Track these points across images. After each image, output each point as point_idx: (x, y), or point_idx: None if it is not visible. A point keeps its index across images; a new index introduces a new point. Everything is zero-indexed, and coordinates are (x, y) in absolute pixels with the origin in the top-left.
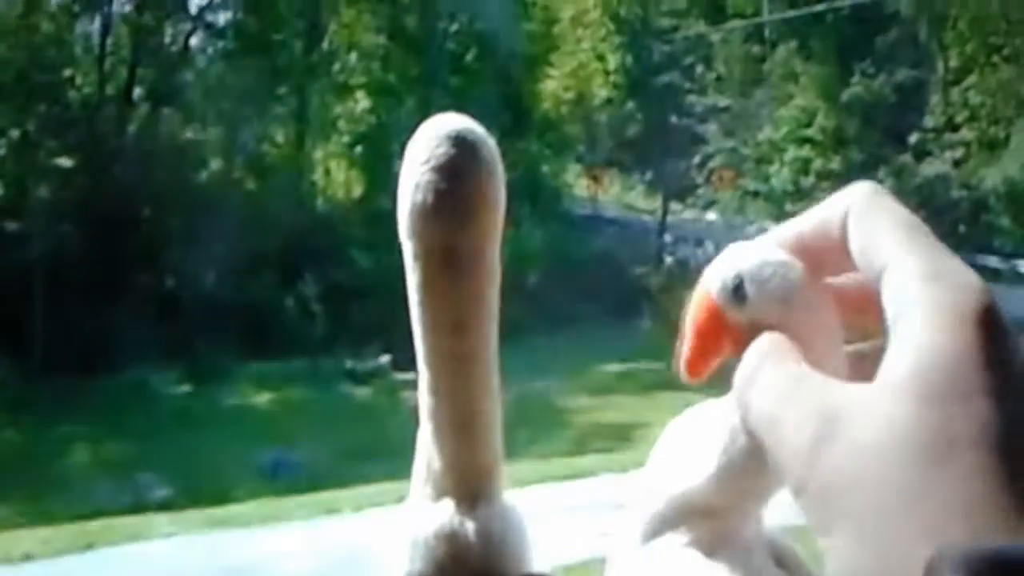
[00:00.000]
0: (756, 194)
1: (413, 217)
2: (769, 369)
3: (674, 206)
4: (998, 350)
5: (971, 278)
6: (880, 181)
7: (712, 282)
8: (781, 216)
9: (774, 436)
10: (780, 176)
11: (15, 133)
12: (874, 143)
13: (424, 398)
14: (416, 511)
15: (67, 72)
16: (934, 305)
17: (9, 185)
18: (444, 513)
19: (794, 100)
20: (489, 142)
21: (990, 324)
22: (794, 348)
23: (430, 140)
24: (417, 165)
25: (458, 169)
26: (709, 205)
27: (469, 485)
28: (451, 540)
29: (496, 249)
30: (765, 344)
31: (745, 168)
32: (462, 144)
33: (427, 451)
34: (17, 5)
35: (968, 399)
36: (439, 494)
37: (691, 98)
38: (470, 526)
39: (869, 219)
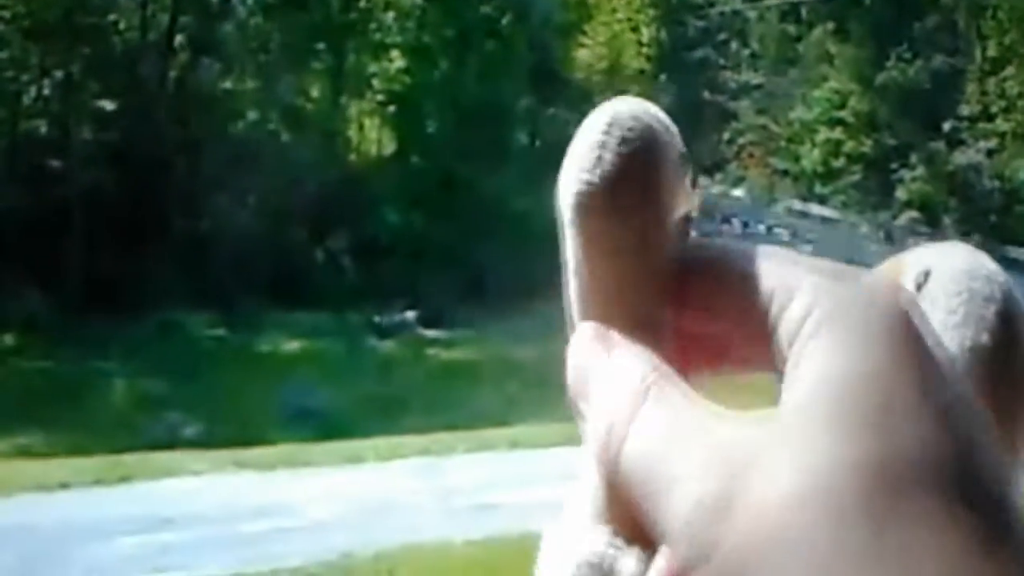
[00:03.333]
0: (785, 173)
1: (579, 205)
2: (650, 404)
3: (702, 181)
4: (924, 364)
5: (879, 278)
6: (912, 167)
7: (903, 266)
8: (810, 197)
9: (657, 493)
10: (811, 157)
11: (59, 74)
12: (907, 129)
13: None
14: (581, 534)
15: (111, 17)
16: (839, 315)
17: (52, 124)
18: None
19: (828, 81)
20: (667, 125)
21: (910, 334)
22: (669, 367)
23: (608, 117)
24: (593, 140)
25: (634, 151)
26: (738, 182)
27: None
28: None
29: (667, 242)
30: (637, 365)
31: (775, 147)
32: (638, 126)
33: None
34: None
35: (901, 426)
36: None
37: (724, 74)
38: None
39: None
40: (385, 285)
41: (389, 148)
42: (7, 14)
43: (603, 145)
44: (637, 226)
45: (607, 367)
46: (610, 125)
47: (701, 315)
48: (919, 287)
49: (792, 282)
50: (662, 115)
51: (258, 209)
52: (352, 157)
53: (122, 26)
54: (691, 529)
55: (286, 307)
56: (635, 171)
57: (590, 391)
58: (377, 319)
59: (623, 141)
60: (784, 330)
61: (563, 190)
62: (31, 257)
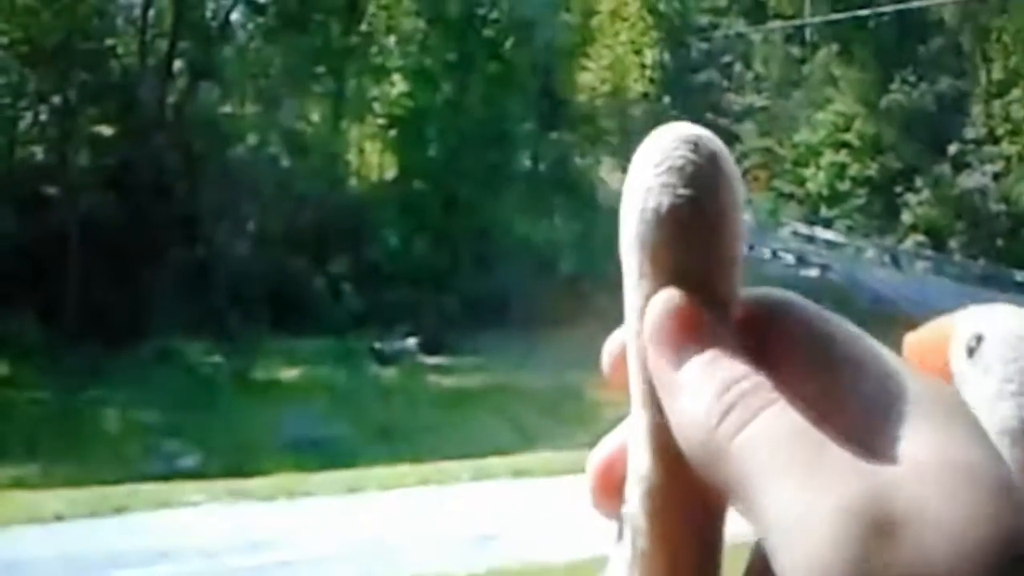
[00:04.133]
0: (790, 196)
1: (642, 227)
2: (777, 408)
3: None
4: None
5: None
6: (917, 190)
7: (950, 329)
8: (815, 220)
9: (765, 487)
10: (816, 180)
11: (56, 99)
12: (912, 152)
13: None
14: None
15: (109, 42)
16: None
17: (49, 150)
18: None
19: (832, 104)
20: (729, 155)
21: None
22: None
23: (666, 142)
24: (650, 168)
25: (698, 174)
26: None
27: None
28: None
29: (733, 278)
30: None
31: (780, 170)
32: (702, 149)
33: None
34: None
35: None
36: None
37: (728, 97)
38: None
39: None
40: (386, 311)
41: (390, 172)
42: (4, 40)
43: (675, 169)
44: (703, 257)
45: (717, 355)
46: (679, 148)
47: (756, 362)
48: (971, 351)
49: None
50: (720, 142)
51: (257, 235)
52: (353, 182)
53: (120, 51)
54: (837, 546)
55: (286, 334)
56: (705, 199)
57: (694, 368)
58: (378, 345)
59: (693, 167)
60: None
61: (628, 214)
62: (26, 284)
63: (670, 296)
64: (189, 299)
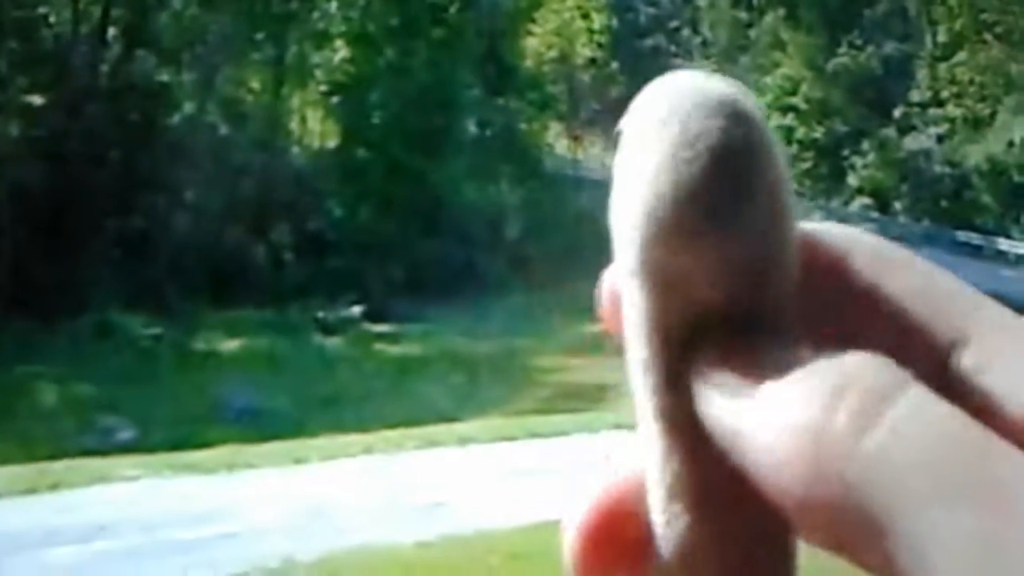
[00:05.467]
0: None
1: (659, 224)
2: (905, 409)
3: None
4: None
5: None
6: (863, 153)
7: None
8: None
9: (915, 526)
10: None
11: None
12: (859, 115)
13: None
14: None
15: (41, 10)
16: None
17: None
18: None
19: (780, 68)
20: (764, 116)
21: None
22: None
23: (689, 106)
24: (668, 143)
25: (739, 152)
26: None
27: None
28: None
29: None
30: (871, 361)
31: None
32: (740, 116)
33: None
34: None
35: None
36: None
37: (676, 62)
38: None
39: None
40: (330, 280)
41: (333, 140)
42: None
43: (688, 142)
44: (755, 264)
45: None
46: (712, 118)
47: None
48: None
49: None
50: (746, 91)
51: (196, 205)
52: (295, 150)
53: (52, 19)
54: None
55: (226, 305)
56: (754, 184)
57: (773, 376)
58: (321, 315)
59: (732, 142)
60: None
61: (635, 207)
62: None
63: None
64: (126, 271)
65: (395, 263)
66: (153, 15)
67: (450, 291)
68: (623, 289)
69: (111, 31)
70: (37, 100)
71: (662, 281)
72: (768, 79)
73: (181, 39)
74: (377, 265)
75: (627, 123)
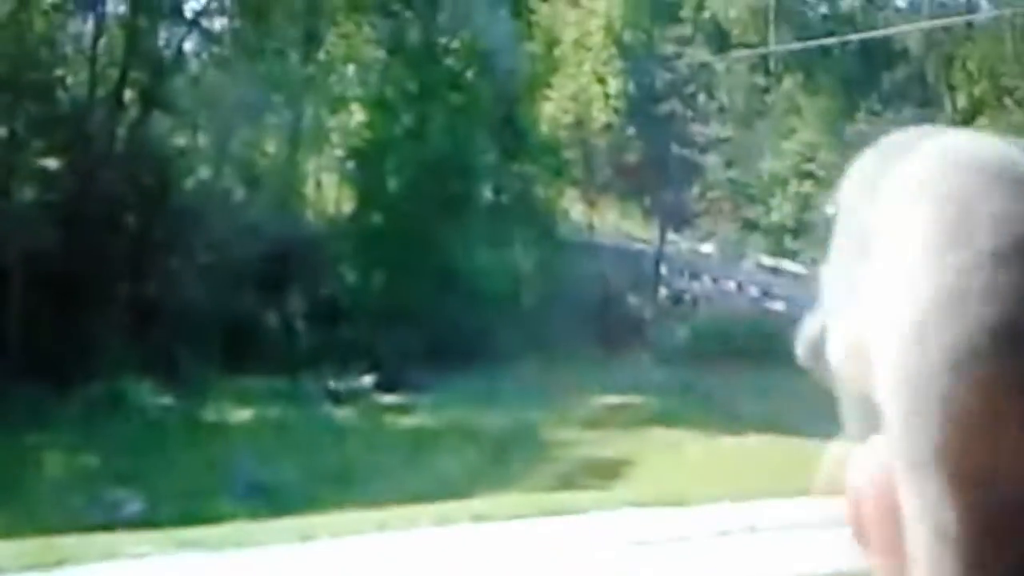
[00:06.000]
0: (755, 227)
1: (980, 403)
2: None
3: (672, 236)
4: None
5: None
6: None
7: None
8: (781, 252)
9: None
10: (781, 210)
11: (2, 131)
12: None
13: None
14: None
15: (58, 72)
16: None
17: None
18: None
19: (797, 133)
20: None
21: None
22: None
23: (986, 199)
24: (968, 255)
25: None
26: (708, 237)
27: None
28: None
29: None
30: None
31: (745, 200)
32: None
33: None
34: (9, 1)
35: None
36: None
37: (693, 127)
38: None
39: None
40: (342, 348)
41: (348, 206)
42: None
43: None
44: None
45: None
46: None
47: None
48: None
49: None
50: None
51: (209, 270)
52: (309, 215)
53: (69, 81)
54: None
55: (238, 372)
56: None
57: None
58: (333, 385)
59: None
60: None
61: (904, 362)
62: None
63: None
64: (138, 337)
65: (408, 331)
66: (170, 78)
67: (464, 360)
68: (882, 473)
69: (128, 94)
70: (52, 164)
71: (970, 476)
72: (786, 144)
73: (197, 102)
74: (390, 333)
75: (860, 205)
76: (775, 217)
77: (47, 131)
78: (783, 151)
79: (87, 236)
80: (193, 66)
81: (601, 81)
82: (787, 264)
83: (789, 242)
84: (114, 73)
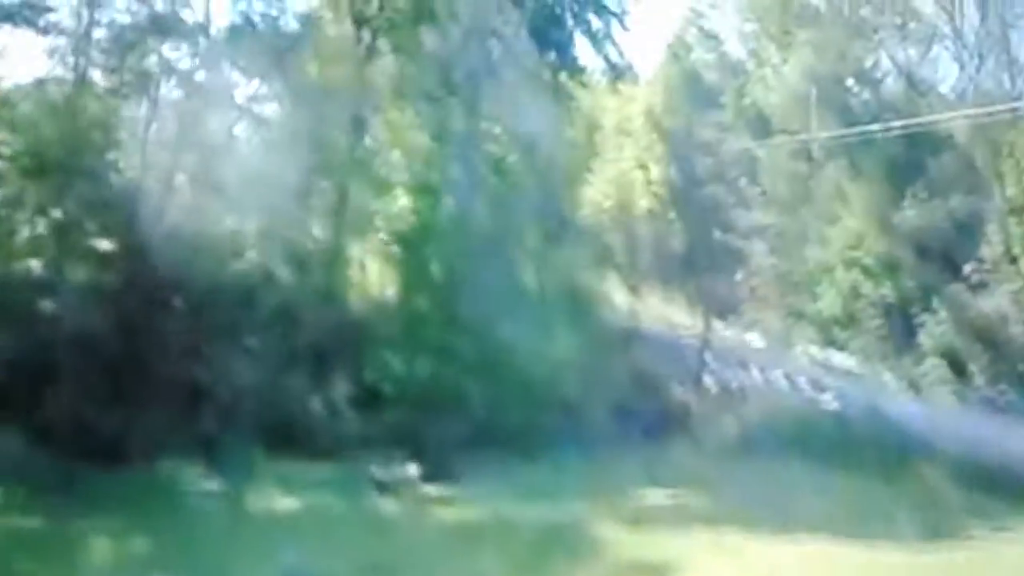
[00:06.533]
0: (801, 317)
1: None
2: None
3: (716, 324)
4: None
5: None
6: (934, 312)
7: None
8: (828, 343)
9: None
10: (828, 299)
11: (56, 212)
12: (927, 272)
13: None
14: None
15: (111, 155)
16: None
17: (47, 264)
18: None
19: (843, 221)
20: None
21: None
22: None
23: None
24: None
25: None
26: (753, 325)
27: None
28: None
29: None
30: None
31: (790, 289)
32: None
33: None
34: (66, 84)
35: None
36: None
37: (735, 213)
38: None
39: None
40: (386, 435)
41: (392, 290)
42: (7, 151)
43: None
44: None
45: None
46: None
47: None
48: None
49: None
50: None
51: (254, 354)
52: (353, 299)
53: (121, 164)
54: None
55: (283, 457)
56: None
57: None
58: (377, 473)
59: None
60: None
61: None
62: (16, 402)
63: None
64: (183, 420)
65: (451, 419)
66: (220, 161)
67: (506, 449)
68: None
69: (179, 176)
70: (105, 245)
71: None
72: (831, 231)
73: (247, 185)
74: (433, 421)
75: None
76: (822, 306)
77: (100, 212)
78: (828, 238)
79: (137, 318)
80: (243, 150)
81: (642, 167)
82: (836, 356)
83: (838, 333)
84: (166, 156)
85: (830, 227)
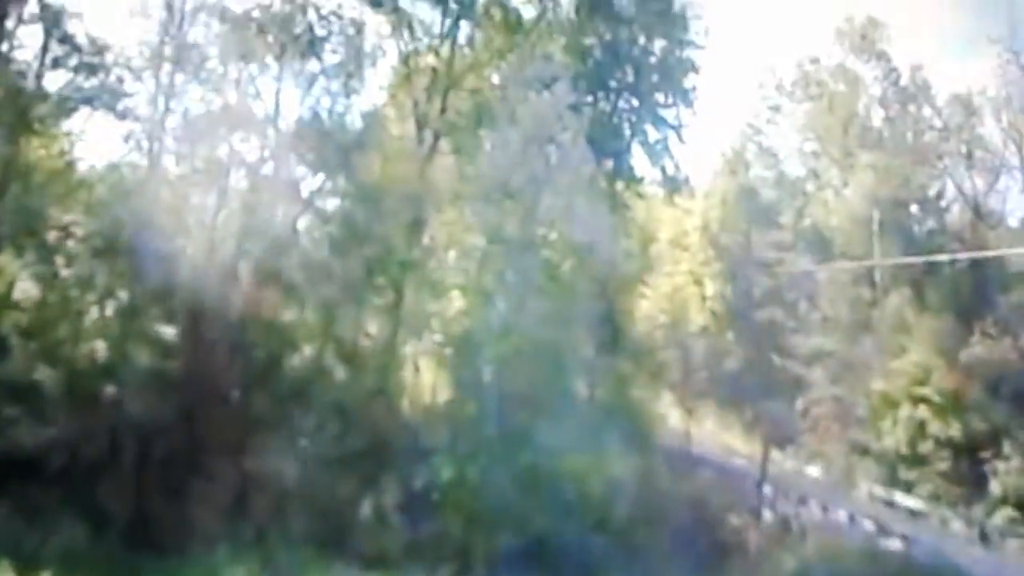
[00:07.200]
0: (865, 452)
1: None
2: None
3: (774, 455)
4: None
5: None
6: (1005, 457)
7: None
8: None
9: None
10: (893, 435)
11: (123, 295)
12: (998, 412)
13: None
14: None
15: (179, 241)
16: None
17: (112, 348)
18: None
19: (908, 353)
20: None
21: None
22: None
23: None
24: None
25: None
26: (813, 458)
27: None
28: None
29: None
30: None
31: (853, 422)
32: None
33: None
34: (140, 168)
35: None
36: None
37: (794, 337)
38: None
39: None
40: (434, 546)
41: (444, 394)
42: (80, 231)
43: None
44: None
45: None
46: None
47: None
48: None
49: None
50: None
51: (307, 451)
52: (406, 402)
53: (188, 251)
54: None
55: (331, 558)
56: None
57: None
58: None
59: None
60: None
61: None
62: (77, 489)
63: None
64: (237, 513)
65: (501, 534)
66: (283, 254)
67: (553, 567)
68: None
69: (242, 266)
70: (168, 332)
71: None
72: (896, 364)
73: (307, 279)
74: (482, 534)
75: None
76: (887, 442)
77: (164, 298)
78: (893, 371)
79: (195, 406)
80: (305, 243)
81: (698, 282)
82: (901, 497)
83: (903, 472)
84: (231, 246)
85: (895, 358)
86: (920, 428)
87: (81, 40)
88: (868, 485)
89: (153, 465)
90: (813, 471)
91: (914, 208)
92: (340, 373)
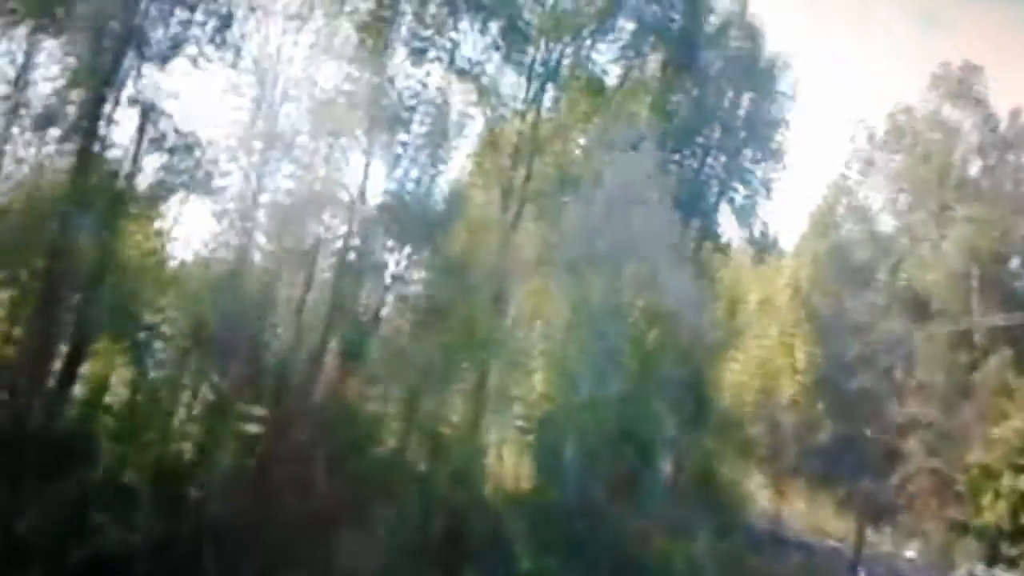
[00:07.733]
0: (965, 529)
1: None
2: None
3: (869, 535)
4: None
5: None
6: None
7: None
8: (994, 558)
9: None
10: (995, 510)
11: (208, 393)
12: None
13: None
14: None
15: (266, 332)
16: None
17: (196, 446)
18: None
19: (1009, 420)
20: None
21: None
22: None
23: None
24: None
25: None
26: (910, 536)
27: None
28: None
29: None
30: None
31: (952, 497)
32: None
33: None
34: (229, 251)
35: None
36: None
37: (889, 406)
38: None
39: None
40: None
41: (526, 478)
42: (169, 331)
43: None
44: None
45: None
46: None
47: None
48: None
49: None
50: None
51: (388, 542)
52: (488, 488)
53: (273, 342)
54: None
55: None
56: None
57: None
58: None
59: None
60: None
61: None
62: None
63: None
64: None
65: None
66: (367, 339)
67: None
68: None
69: (326, 352)
70: (253, 427)
71: None
72: (997, 431)
73: (390, 364)
74: None
75: None
76: (988, 517)
77: (248, 391)
78: (994, 439)
79: (277, 501)
80: (388, 328)
81: (787, 347)
82: (1002, 574)
83: (1006, 548)
84: (316, 333)
85: (995, 426)
86: (1022, 500)
87: (178, 121)
88: (969, 564)
89: (238, 566)
90: (911, 552)
91: (1015, 262)
92: (422, 462)
